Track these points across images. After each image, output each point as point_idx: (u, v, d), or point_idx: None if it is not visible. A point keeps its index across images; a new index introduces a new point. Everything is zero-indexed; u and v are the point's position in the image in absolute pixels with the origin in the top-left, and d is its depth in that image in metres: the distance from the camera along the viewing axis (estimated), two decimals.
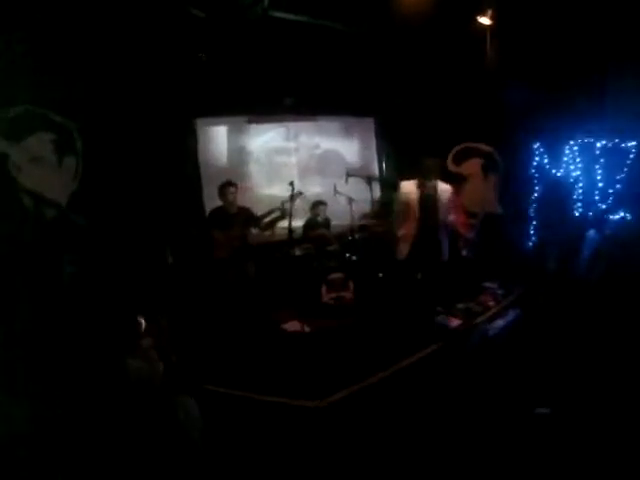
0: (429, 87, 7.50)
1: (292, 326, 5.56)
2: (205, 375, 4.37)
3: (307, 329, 5.44)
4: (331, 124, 8.11)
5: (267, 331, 5.47)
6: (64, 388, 3.16)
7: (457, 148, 7.47)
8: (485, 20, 6.72)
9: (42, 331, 3.41)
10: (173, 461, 3.10)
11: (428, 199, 5.76)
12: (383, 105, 8.10)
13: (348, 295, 6.29)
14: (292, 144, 7.81)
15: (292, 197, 5.81)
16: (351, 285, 6.35)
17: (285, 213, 5.91)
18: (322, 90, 7.26)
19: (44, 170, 4.87)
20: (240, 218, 5.91)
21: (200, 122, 7.08)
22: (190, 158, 6.89)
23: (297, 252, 6.47)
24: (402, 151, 7.67)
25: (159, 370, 3.44)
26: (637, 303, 5.10)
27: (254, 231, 6.09)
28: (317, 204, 6.96)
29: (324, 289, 6.25)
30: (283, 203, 5.93)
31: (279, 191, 6.70)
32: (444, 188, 5.82)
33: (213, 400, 4.17)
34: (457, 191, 7.12)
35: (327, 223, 7.02)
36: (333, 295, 6.24)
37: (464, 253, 6.87)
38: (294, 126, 7.80)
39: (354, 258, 6.73)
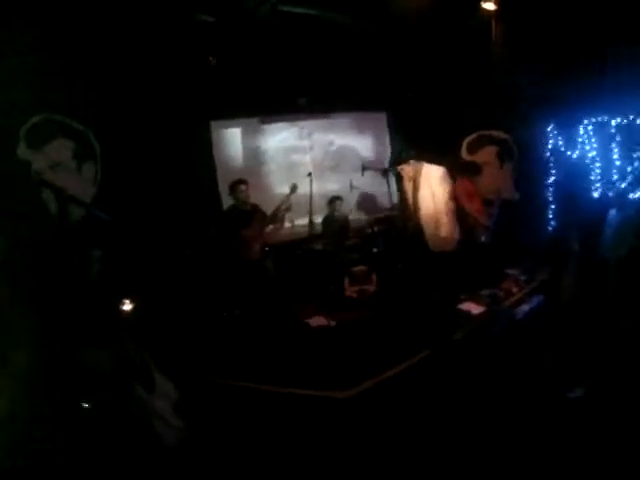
0: (439, 78, 7.49)
1: (316, 321, 5.58)
2: (232, 370, 4.44)
3: (332, 323, 5.46)
4: (344, 120, 8.11)
5: (292, 326, 5.50)
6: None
7: (471, 137, 7.46)
8: (489, 5, 6.70)
9: (70, 328, 3.46)
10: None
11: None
12: (394, 99, 8.09)
13: (371, 288, 6.29)
14: (306, 142, 7.81)
15: (292, 190, 6.07)
16: (374, 278, 6.35)
17: (290, 206, 6.10)
18: (334, 87, 7.25)
19: (64, 175, 4.97)
20: (257, 216, 5.98)
21: (214, 124, 7.14)
22: (206, 160, 6.94)
23: (317, 247, 6.51)
24: (416, 143, 7.66)
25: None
26: None
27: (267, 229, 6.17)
28: (334, 200, 6.97)
29: (347, 282, 6.25)
30: (288, 196, 6.09)
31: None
32: (432, 169, 5.85)
33: (241, 394, 4.22)
34: (472, 180, 7.21)
35: (345, 218, 7.05)
36: (356, 288, 6.24)
37: (482, 240, 6.89)
38: (307, 124, 7.81)
39: (375, 250, 6.73)
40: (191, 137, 6.65)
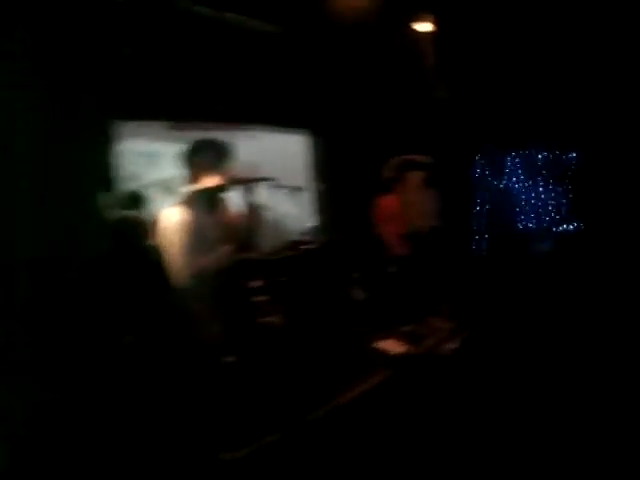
0: (366, 97, 7.05)
1: None
2: None
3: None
4: (262, 135, 7.48)
5: None
6: None
7: (395, 160, 7.05)
8: (423, 26, 6.37)
9: None
10: None
11: None
12: (317, 116, 7.59)
13: (277, 320, 5.67)
14: None
15: None
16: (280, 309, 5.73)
17: None
18: (255, 99, 6.62)
19: None
20: None
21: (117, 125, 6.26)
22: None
23: None
24: (337, 164, 7.15)
25: None
26: None
27: None
28: None
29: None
30: None
31: None
32: None
33: None
34: (394, 204, 6.75)
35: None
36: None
37: (393, 269, 6.35)
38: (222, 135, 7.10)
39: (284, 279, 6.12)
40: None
